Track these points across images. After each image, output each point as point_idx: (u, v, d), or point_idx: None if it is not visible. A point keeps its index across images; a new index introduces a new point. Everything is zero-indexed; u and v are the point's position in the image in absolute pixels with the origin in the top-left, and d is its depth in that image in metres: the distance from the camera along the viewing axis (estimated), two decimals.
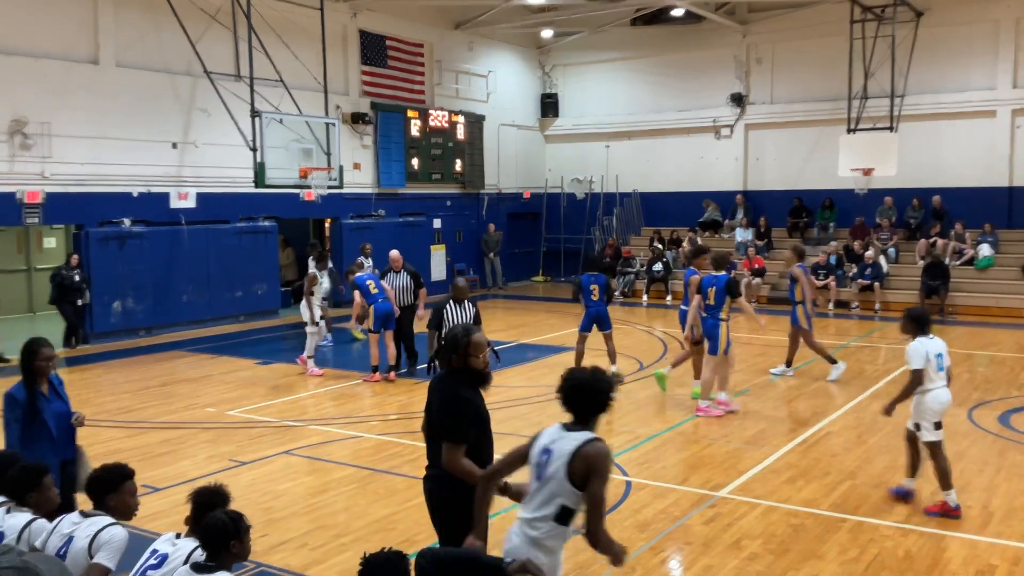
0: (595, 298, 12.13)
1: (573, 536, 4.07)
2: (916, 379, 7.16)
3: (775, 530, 6.85)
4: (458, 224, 24.39)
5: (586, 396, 4.05)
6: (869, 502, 7.49)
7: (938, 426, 7.26)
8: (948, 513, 7.10)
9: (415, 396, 11.49)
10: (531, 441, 4.13)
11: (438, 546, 4.69)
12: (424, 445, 4.96)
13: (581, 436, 3.97)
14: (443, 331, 9.17)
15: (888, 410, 7.58)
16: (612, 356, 12.19)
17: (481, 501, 4.28)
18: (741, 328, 17.60)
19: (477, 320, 10.20)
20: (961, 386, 11.53)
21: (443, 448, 4.56)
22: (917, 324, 7.32)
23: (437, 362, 4.54)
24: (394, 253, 13.42)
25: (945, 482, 7.13)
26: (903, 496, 7.49)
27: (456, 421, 4.56)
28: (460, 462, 4.53)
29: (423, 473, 4.90)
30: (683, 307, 11.75)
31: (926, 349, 7.16)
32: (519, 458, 4.18)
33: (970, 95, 21.18)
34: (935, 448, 7.23)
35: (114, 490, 4.48)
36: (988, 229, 20.48)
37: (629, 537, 6.68)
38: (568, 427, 4.05)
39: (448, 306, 10.34)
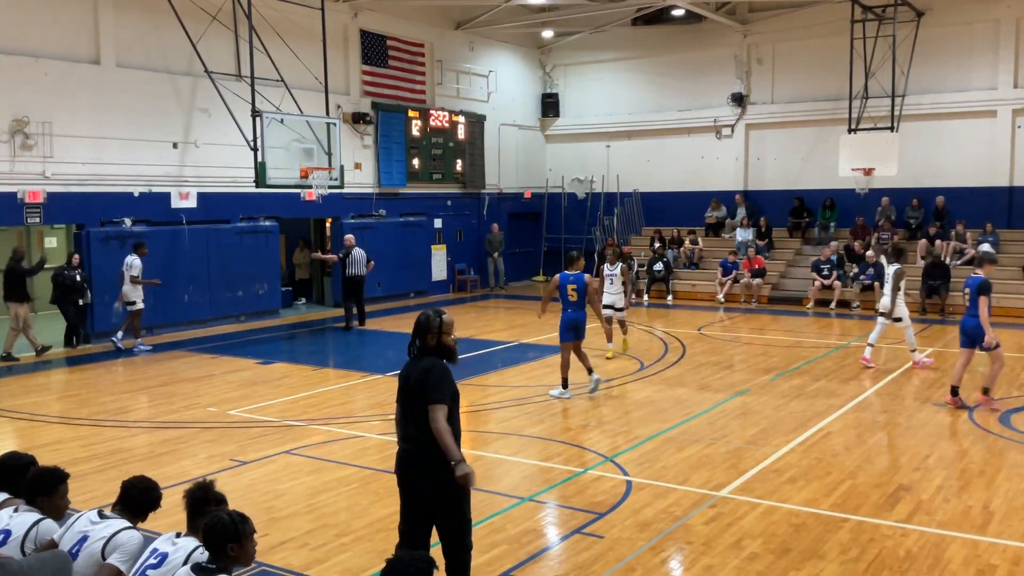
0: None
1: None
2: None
3: (776, 530, 6.86)
4: (459, 224, 24.40)
5: None
6: (870, 502, 7.49)
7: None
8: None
9: None
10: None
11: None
12: None
13: None
14: None
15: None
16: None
17: None
18: (741, 328, 17.62)
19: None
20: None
21: (429, 410, 4.94)
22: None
23: (411, 344, 5.23)
24: (349, 236, 17.70)
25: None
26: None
27: (440, 384, 5.02)
28: (444, 421, 4.95)
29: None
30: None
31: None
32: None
33: (971, 95, 21.17)
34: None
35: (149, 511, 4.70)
36: (989, 229, 20.47)
37: (630, 537, 6.69)
38: None
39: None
